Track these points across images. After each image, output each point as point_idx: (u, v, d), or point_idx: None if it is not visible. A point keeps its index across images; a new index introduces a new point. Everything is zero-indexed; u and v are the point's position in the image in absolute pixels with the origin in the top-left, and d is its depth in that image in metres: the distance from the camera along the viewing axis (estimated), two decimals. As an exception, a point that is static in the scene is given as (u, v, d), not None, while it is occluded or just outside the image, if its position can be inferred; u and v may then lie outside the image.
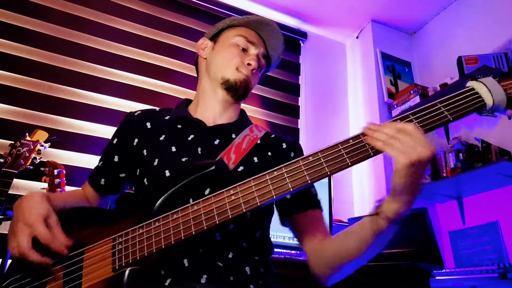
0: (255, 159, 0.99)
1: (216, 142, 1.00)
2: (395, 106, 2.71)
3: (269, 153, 1.03)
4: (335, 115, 2.99)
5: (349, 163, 0.74)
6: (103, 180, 1.07)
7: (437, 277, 1.97)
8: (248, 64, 1.05)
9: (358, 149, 0.75)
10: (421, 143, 0.70)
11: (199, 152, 0.97)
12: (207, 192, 0.88)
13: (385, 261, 1.93)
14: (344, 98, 3.10)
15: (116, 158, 1.06)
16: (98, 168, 1.09)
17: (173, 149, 0.98)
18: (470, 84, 0.77)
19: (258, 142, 1.03)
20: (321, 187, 2.19)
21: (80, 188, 1.12)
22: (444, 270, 2.00)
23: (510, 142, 2.20)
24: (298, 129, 2.81)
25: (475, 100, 0.75)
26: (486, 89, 0.75)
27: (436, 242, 1.87)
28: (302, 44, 3.08)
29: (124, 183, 1.08)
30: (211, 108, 1.07)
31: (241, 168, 0.95)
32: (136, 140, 1.03)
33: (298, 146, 1.10)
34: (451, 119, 0.74)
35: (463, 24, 2.74)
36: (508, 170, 2.07)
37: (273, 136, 1.10)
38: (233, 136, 1.02)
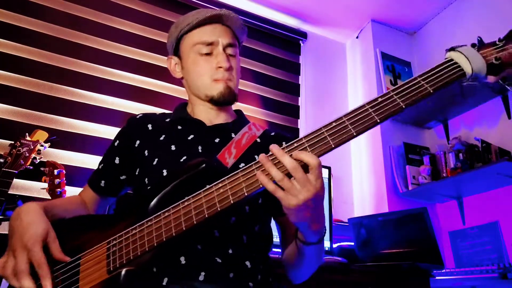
0: (256, 157, 1.00)
1: (217, 140, 1.01)
2: (395, 106, 2.71)
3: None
4: (335, 115, 2.97)
5: (333, 145, 0.73)
6: (103, 182, 1.07)
7: (437, 277, 1.97)
8: (219, 67, 1.02)
9: (342, 129, 0.74)
10: (313, 182, 0.70)
11: (200, 151, 0.98)
12: None
13: (385, 261, 1.93)
14: (344, 98, 3.10)
15: (117, 160, 1.06)
16: (98, 171, 1.09)
17: (173, 148, 0.98)
18: (449, 55, 0.77)
19: (258, 140, 1.04)
20: (321, 187, 2.17)
21: (77, 195, 1.12)
22: (444, 270, 2.00)
23: (510, 142, 2.20)
24: (298, 129, 2.81)
25: (454, 70, 0.75)
26: (465, 58, 0.75)
27: (436, 242, 1.87)
28: (302, 44, 3.08)
29: (123, 185, 1.09)
30: (205, 113, 1.08)
31: (242, 164, 0.96)
32: (137, 142, 1.04)
33: None
34: (431, 91, 0.73)
35: (463, 24, 2.74)
36: (508, 170, 2.07)
37: (272, 133, 1.11)
38: (232, 135, 1.03)
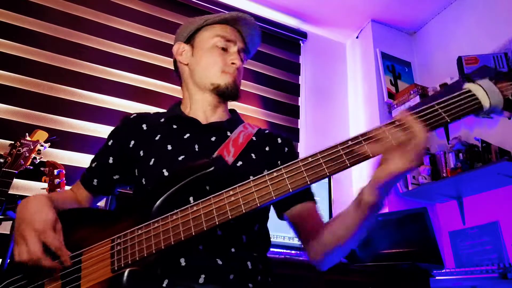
0: (253, 155, 1.00)
1: (213, 139, 1.01)
2: (395, 106, 2.71)
3: (266, 148, 1.05)
4: (335, 115, 2.99)
5: (348, 164, 0.75)
6: (95, 180, 1.06)
7: (437, 277, 1.97)
8: (232, 63, 1.07)
9: (357, 150, 0.75)
10: (422, 151, 0.72)
11: (196, 149, 0.98)
12: (207, 188, 0.88)
13: (385, 261, 1.93)
14: (344, 98, 3.10)
15: (110, 160, 1.05)
16: (91, 169, 1.08)
17: (169, 147, 0.98)
18: (467, 86, 0.78)
19: (253, 138, 1.05)
20: (321, 187, 2.18)
21: (70, 190, 1.11)
22: (444, 270, 2.00)
23: (510, 142, 2.20)
24: (298, 129, 2.81)
25: (472, 102, 0.76)
26: (483, 91, 0.76)
27: (436, 242, 1.87)
28: (302, 44, 3.08)
29: (116, 185, 1.08)
30: (201, 109, 1.08)
31: (240, 163, 0.96)
32: (132, 142, 1.03)
33: (291, 142, 1.12)
34: (448, 120, 0.75)
35: (463, 24, 2.74)
36: (508, 170, 2.07)
37: (267, 131, 1.11)
38: (228, 133, 1.03)
